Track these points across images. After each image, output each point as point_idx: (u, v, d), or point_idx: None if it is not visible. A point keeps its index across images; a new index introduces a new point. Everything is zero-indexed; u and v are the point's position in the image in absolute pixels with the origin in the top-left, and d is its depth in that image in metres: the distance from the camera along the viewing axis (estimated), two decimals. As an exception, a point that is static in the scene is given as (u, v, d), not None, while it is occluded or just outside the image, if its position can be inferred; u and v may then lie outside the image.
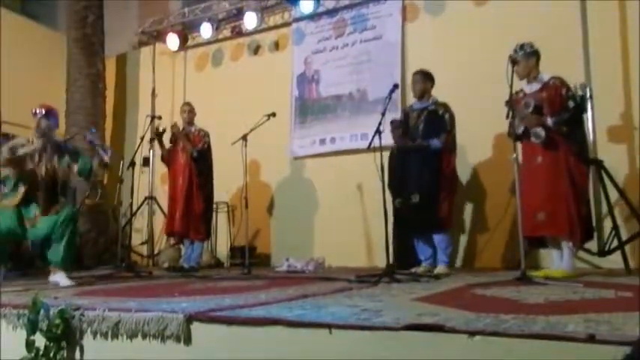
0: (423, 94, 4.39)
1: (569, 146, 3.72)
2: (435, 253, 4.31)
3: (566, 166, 3.69)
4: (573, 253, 3.81)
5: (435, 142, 4.18)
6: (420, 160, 4.20)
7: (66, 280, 3.69)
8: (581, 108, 3.82)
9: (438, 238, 4.24)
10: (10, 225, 3.71)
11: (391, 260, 3.65)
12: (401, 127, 4.35)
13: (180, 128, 5.43)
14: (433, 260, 4.31)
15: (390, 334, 1.54)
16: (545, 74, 3.91)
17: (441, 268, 4.15)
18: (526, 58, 3.85)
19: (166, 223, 5.60)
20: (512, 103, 3.55)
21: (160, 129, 5.45)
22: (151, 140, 6.07)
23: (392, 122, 4.41)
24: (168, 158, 5.50)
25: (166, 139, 5.53)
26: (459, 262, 5.21)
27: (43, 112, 3.93)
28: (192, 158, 5.30)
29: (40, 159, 3.80)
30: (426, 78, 4.42)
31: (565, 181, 3.68)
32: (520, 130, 3.81)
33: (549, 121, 3.70)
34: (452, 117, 4.30)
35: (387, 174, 5.01)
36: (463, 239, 5.30)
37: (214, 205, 5.94)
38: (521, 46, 3.87)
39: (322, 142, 6.50)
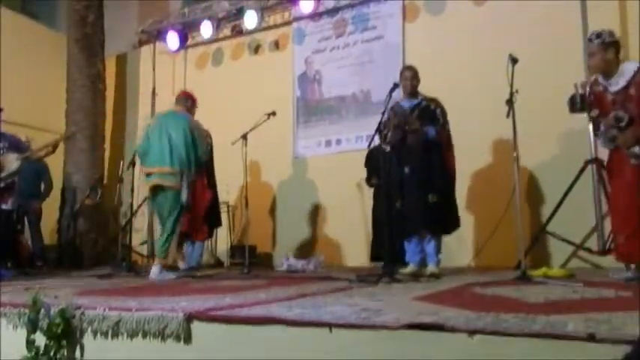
0: (415, 90, 4.24)
1: None
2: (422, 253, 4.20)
3: None
4: None
5: (431, 131, 4.04)
6: (423, 159, 4.05)
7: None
8: None
9: (436, 238, 4.18)
10: None
11: (389, 261, 3.64)
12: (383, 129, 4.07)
13: None
14: (420, 261, 4.18)
15: (390, 333, 1.54)
16: (628, 64, 3.19)
17: (434, 268, 4.10)
18: (603, 49, 3.13)
19: None
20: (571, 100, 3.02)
21: None
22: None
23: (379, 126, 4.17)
24: None
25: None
26: (458, 262, 5.20)
27: None
28: None
29: None
30: (417, 74, 4.25)
31: None
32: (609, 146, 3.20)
33: None
34: (443, 111, 4.16)
35: (373, 174, 4.99)
36: (463, 239, 5.29)
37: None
38: (598, 35, 3.14)
39: (328, 143, 6.51)
